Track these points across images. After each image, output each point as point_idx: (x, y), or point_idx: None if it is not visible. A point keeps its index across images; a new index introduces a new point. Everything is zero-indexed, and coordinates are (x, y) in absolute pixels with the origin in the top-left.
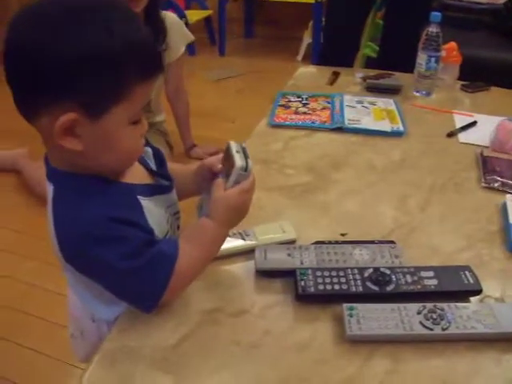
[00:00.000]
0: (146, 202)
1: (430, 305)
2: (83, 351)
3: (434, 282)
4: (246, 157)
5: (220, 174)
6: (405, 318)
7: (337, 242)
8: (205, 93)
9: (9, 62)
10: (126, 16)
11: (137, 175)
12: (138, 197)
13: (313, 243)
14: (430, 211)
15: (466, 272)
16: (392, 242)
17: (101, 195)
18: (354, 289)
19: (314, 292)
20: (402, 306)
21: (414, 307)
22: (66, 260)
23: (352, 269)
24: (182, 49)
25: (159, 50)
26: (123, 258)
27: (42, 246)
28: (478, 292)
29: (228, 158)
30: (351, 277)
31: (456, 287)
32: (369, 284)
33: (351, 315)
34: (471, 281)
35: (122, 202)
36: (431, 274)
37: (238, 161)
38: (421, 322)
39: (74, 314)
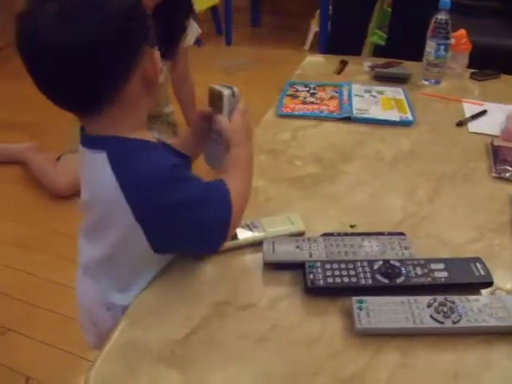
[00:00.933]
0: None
1: (440, 298)
2: (97, 341)
3: (445, 274)
4: (229, 86)
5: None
6: (415, 311)
7: (346, 234)
8: (212, 82)
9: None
10: None
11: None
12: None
13: (321, 235)
14: (439, 202)
15: (477, 264)
16: (402, 233)
17: (155, 150)
18: (363, 281)
19: (323, 285)
20: (412, 298)
21: (424, 300)
22: (141, 216)
23: (361, 261)
24: (192, 41)
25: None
26: (195, 193)
27: (51, 240)
28: (490, 284)
29: (215, 97)
30: (360, 269)
31: (466, 279)
32: (378, 276)
33: (360, 308)
34: (482, 273)
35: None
36: (441, 266)
37: (225, 90)
38: (431, 316)
39: (86, 305)
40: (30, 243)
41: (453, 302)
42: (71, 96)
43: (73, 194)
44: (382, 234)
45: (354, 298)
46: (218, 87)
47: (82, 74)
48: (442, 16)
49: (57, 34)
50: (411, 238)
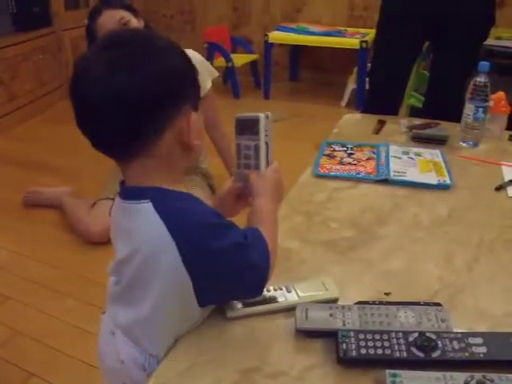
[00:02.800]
0: None
1: (478, 375)
2: None
3: (483, 349)
4: (256, 113)
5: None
6: None
7: (381, 303)
8: None
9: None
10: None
11: None
12: None
13: (356, 303)
14: (478, 270)
15: None
16: (438, 304)
17: (196, 200)
18: (397, 354)
19: (355, 356)
20: (448, 374)
21: (461, 377)
22: (191, 262)
23: (396, 332)
24: (209, 84)
25: None
26: (240, 238)
27: (81, 285)
28: None
29: (243, 126)
30: (395, 341)
31: (507, 356)
32: (413, 349)
33: (394, 382)
34: None
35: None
36: (480, 340)
37: (259, 114)
38: None
39: (116, 367)
40: (60, 287)
41: (492, 381)
42: (106, 143)
43: (106, 240)
44: (417, 303)
45: (388, 372)
46: (247, 114)
47: (116, 123)
48: (480, 79)
49: (102, 84)
50: (448, 308)
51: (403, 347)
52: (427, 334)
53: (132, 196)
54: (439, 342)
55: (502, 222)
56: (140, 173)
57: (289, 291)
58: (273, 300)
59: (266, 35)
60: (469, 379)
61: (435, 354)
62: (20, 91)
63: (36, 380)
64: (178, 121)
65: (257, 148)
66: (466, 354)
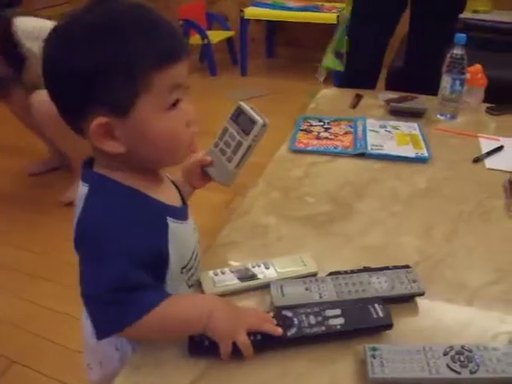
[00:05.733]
0: (175, 225)
1: (457, 345)
2: (101, 381)
3: (341, 320)
4: (260, 115)
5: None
6: (430, 360)
7: (352, 272)
8: (225, 113)
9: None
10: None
11: (170, 196)
12: (168, 218)
13: (328, 274)
14: (456, 242)
15: (376, 305)
16: (407, 266)
17: (127, 206)
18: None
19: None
20: (427, 346)
21: (440, 348)
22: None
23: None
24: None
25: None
26: (104, 280)
27: (60, 268)
28: (390, 326)
29: (241, 117)
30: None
31: (364, 324)
32: None
33: (374, 356)
34: (381, 315)
35: (145, 220)
36: (338, 312)
37: (259, 119)
38: (448, 365)
39: (93, 344)
40: (38, 272)
41: (470, 351)
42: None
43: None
44: (387, 268)
45: (367, 346)
46: (249, 110)
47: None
48: (457, 51)
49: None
50: (428, 281)
51: None
52: (283, 312)
53: (83, 174)
54: (295, 320)
55: (480, 194)
56: (100, 155)
57: (267, 267)
58: (252, 277)
59: (241, 11)
60: (448, 350)
61: (291, 332)
62: None
63: (18, 367)
64: (84, 122)
65: (239, 144)
66: (323, 328)
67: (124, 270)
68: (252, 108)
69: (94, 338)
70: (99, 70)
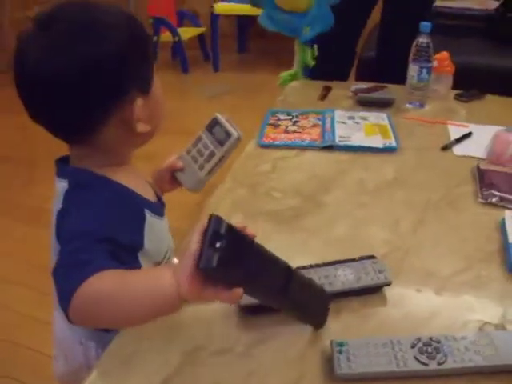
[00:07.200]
0: (152, 219)
1: (425, 337)
2: (65, 376)
3: None
4: (235, 128)
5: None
6: (398, 353)
7: (317, 265)
8: (198, 110)
9: (50, 88)
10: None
11: (147, 191)
12: (146, 210)
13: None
14: (424, 232)
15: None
16: (373, 256)
17: (108, 197)
18: None
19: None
20: (395, 339)
21: (407, 340)
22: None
23: None
24: None
25: None
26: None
27: (32, 273)
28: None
29: (216, 128)
30: None
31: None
32: None
33: (340, 352)
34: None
35: (125, 210)
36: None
37: (234, 132)
38: (415, 357)
39: (59, 336)
40: (9, 276)
41: (438, 342)
42: (51, 124)
43: None
44: (353, 260)
45: (334, 341)
46: (225, 122)
47: (53, 109)
48: (422, 39)
49: (39, 67)
50: (396, 272)
51: None
52: None
53: (60, 171)
54: None
55: (448, 181)
56: (81, 155)
57: None
58: None
59: (211, 7)
60: (415, 342)
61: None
62: None
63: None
64: (122, 108)
65: (212, 154)
66: None
67: (87, 244)
68: (228, 120)
69: (59, 329)
70: (125, 54)
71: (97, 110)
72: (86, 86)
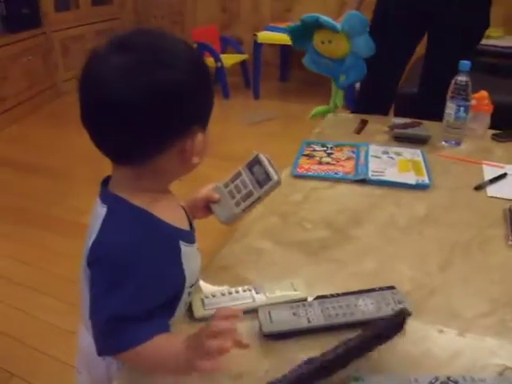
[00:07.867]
0: (186, 249)
1: (443, 376)
2: None
3: None
4: (276, 171)
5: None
6: None
7: (338, 295)
8: (237, 136)
9: (115, 112)
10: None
11: (181, 219)
12: (180, 242)
13: (315, 298)
14: (451, 272)
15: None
16: (392, 287)
17: (145, 234)
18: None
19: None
20: (412, 378)
21: (425, 379)
22: (87, 264)
23: None
24: None
25: None
26: (113, 300)
27: (60, 283)
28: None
29: (256, 167)
30: None
31: None
32: None
33: None
34: None
35: (161, 241)
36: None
37: (275, 175)
38: None
39: (84, 351)
40: (37, 286)
41: (456, 382)
42: (104, 147)
43: None
44: (373, 290)
45: (350, 376)
46: (267, 164)
47: (118, 131)
48: (462, 77)
49: (108, 88)
50: (420, 310)
51: None
52: None
53: (103, 196)
54: None
55: (479, 222)
56: (127, 177)
57: (257, 292)
58: (241, 301)
59: (254, 35)
60: (433, 381)
61: None
62: (9, 93)
63: (18, 381)
64: (183, 141)
65: (250, 193)
66: None
67: (128, 302)
68: (269, 161)
69: (85, 342)
70: (194, 89)
71: (161, 139)
72: (158, 112)
